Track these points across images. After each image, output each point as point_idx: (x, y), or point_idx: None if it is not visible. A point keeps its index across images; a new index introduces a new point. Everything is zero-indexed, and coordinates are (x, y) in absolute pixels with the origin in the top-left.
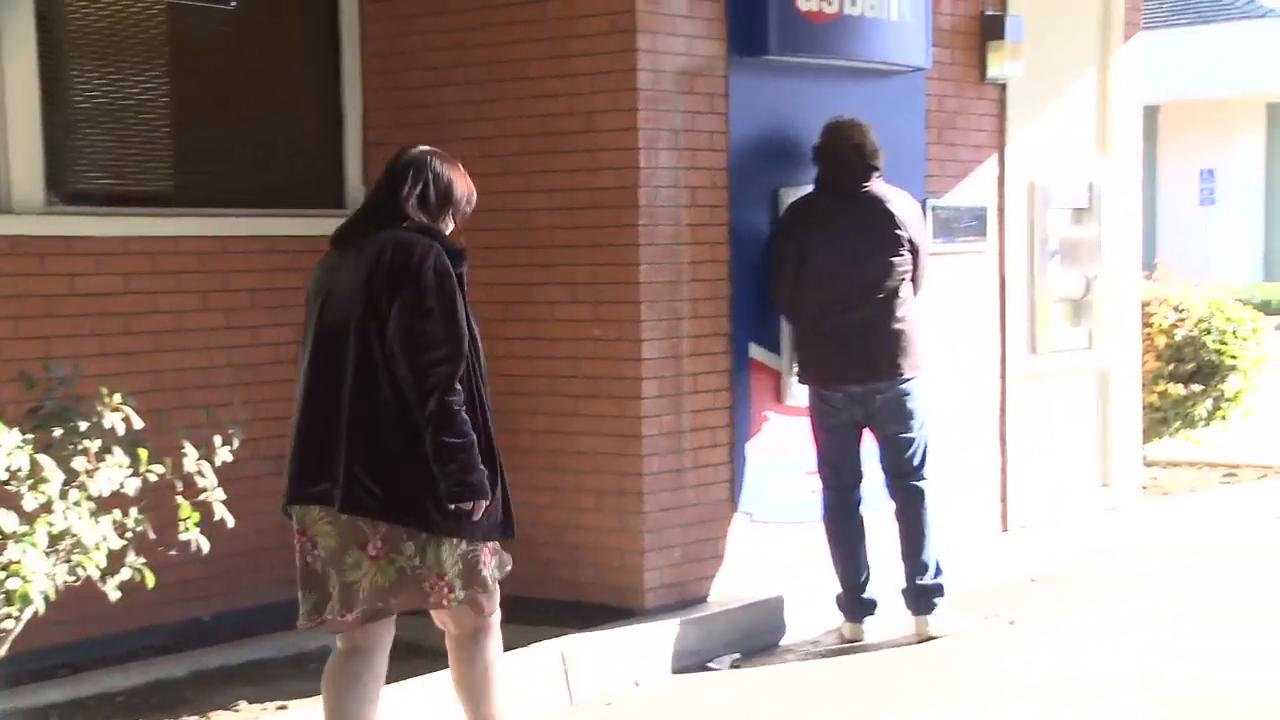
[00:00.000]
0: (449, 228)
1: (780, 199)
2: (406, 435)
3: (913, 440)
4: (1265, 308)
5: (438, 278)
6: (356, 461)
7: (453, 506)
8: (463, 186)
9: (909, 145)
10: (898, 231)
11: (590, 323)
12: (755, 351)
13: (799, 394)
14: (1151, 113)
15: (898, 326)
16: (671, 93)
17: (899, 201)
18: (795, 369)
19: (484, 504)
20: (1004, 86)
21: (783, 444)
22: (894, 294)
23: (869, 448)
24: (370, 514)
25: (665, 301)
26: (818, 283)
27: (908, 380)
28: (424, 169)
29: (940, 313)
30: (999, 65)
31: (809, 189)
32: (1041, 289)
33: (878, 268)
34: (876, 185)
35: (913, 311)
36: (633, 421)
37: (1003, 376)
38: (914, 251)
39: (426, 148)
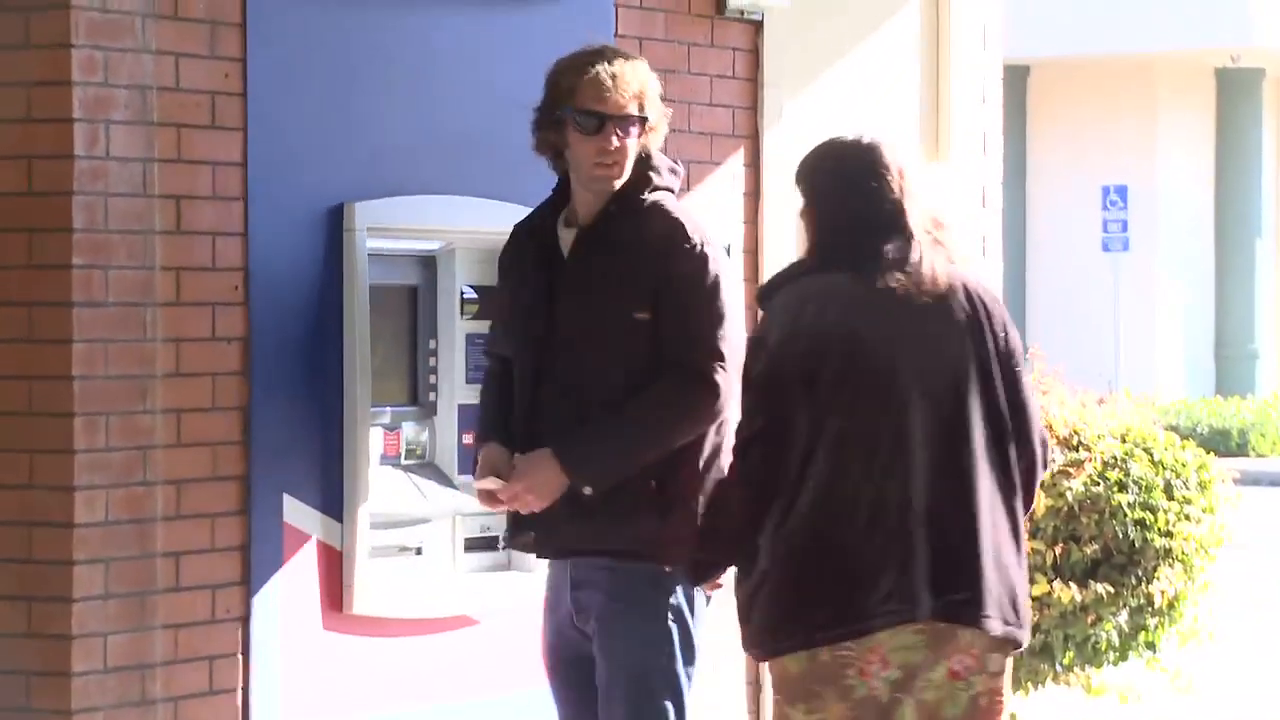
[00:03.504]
0: None
1: (349, 219)
2: (1010, 528)
3: None
4: (1221, 442)
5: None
6: (991, 557)
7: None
8: None
9: None
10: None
11: None
12: (294, 511)
13: (375, 594)
14: (1017, 82)
15: None
16: (136, 16)
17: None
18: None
19: None
20: (758, 25)
21: (347, 694)
22: None
23: None
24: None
25: (121, 415)
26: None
27: None
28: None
29: None
30: None
31: (413, 200)
32: None
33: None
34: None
35: None
36: (57, 645)
37: None
38: None
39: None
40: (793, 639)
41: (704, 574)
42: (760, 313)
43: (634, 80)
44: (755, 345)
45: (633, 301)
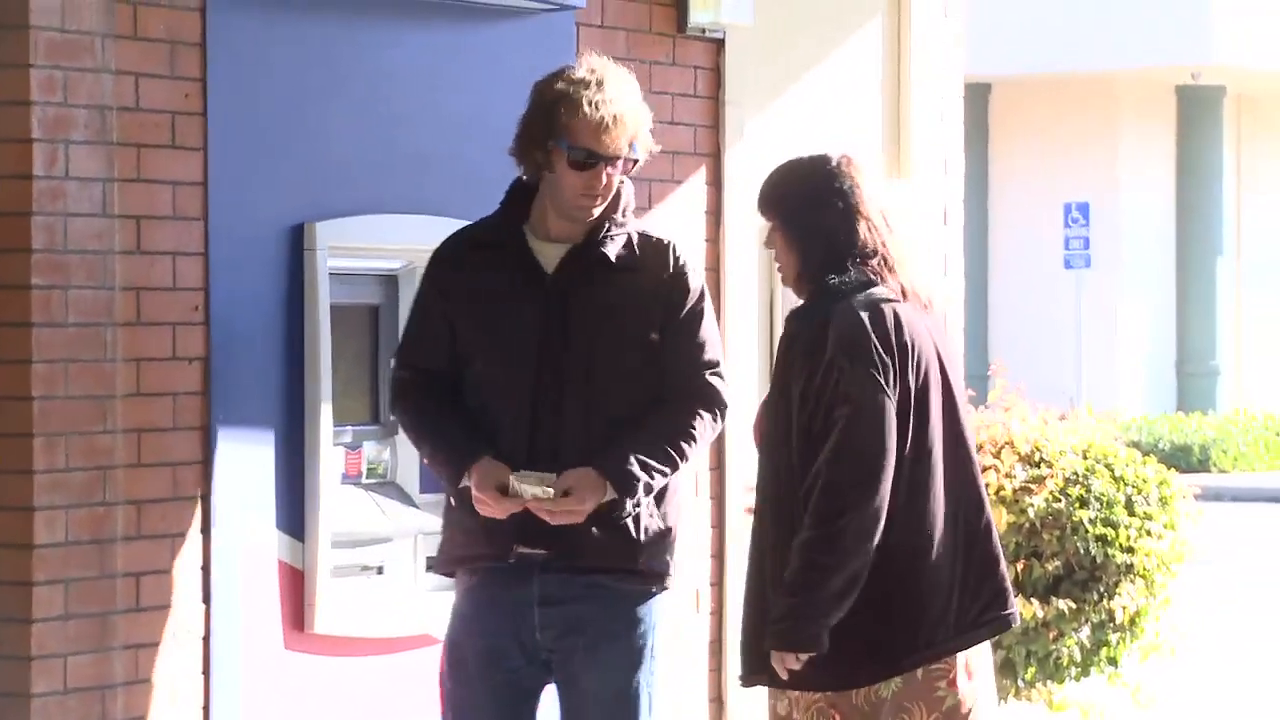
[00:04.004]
0: None
1: (310, 239)
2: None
3: None
4: (1182, 458)
5: None
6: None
7: None
8: None
9: None
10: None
11: None
12: (255, 530)
13: (336, 613)
14: (978, 99)
15: None
16: (95, 36)
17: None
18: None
19: None
20: (720, 44)
21: (308, 713)
22: None
23: None
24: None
25: (81, 435)
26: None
27: None
28: None
29: None
30: (709, 4)
31: (374, 220)
32: None
33: None
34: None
35: None
36: (17, 666)
37: None
38: None
39: None
40: (905, 660)
41: (822, 639)
42: (812, 339)
43: (631, 122)
44: (857, 372)
45: (647, 324)
